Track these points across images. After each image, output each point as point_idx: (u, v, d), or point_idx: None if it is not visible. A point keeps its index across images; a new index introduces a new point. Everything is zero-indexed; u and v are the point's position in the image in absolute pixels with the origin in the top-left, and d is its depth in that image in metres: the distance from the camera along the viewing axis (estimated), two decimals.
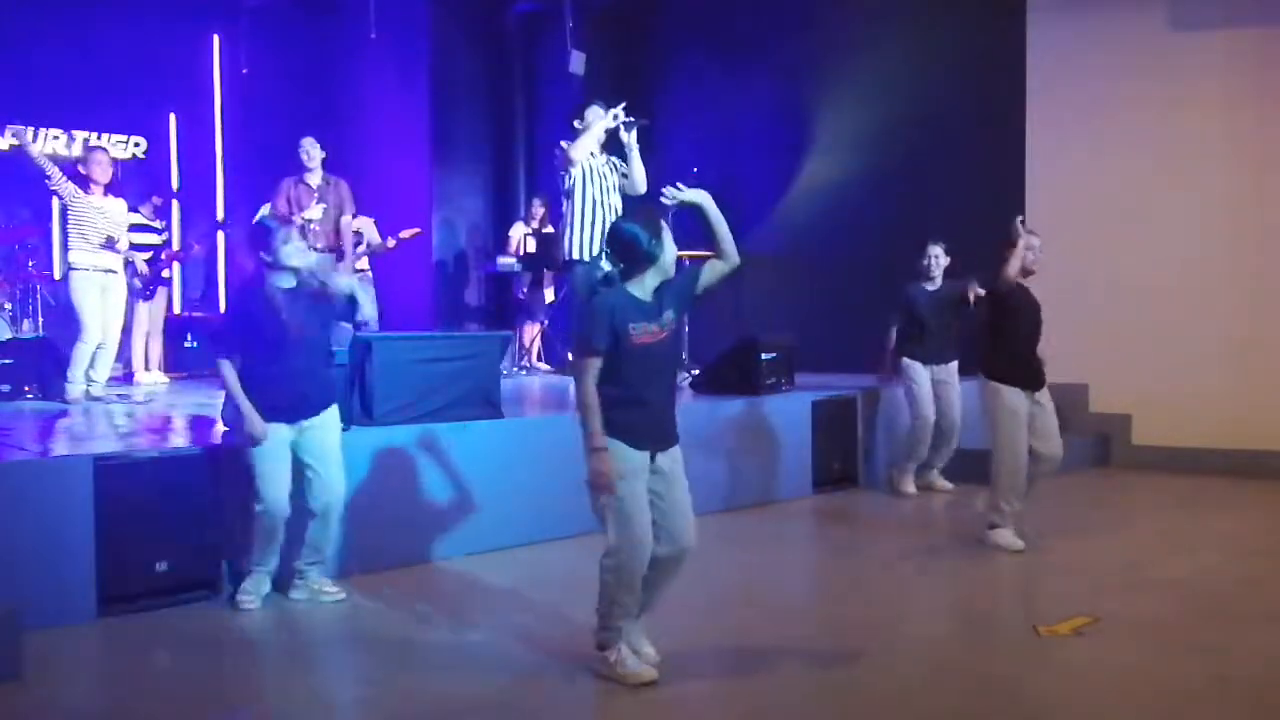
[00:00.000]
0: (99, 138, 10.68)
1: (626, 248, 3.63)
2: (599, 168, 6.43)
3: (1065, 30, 8.81)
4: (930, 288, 7.19)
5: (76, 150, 7.32)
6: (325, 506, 4.63)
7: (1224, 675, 3.74)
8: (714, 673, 3.82)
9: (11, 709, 3.52)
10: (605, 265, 3.77)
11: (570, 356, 6.30)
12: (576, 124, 6.46)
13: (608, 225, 6.29)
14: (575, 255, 6.38)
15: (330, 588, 4.72)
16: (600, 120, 6.32)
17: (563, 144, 6.48)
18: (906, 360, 7.20)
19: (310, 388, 4.62)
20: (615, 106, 6.37)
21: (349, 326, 5.46)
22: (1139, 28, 8.54)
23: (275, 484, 4.50)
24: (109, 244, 7.09)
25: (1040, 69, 8.90)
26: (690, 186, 3.73)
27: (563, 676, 3.76)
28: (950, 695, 3.62)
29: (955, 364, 7.26)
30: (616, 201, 6.48)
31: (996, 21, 9.13)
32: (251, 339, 4.53)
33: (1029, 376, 5.61)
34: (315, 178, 7.74)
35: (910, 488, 7.21)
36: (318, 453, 4.62)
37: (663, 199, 3.77)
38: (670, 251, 3.66)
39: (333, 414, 4.73)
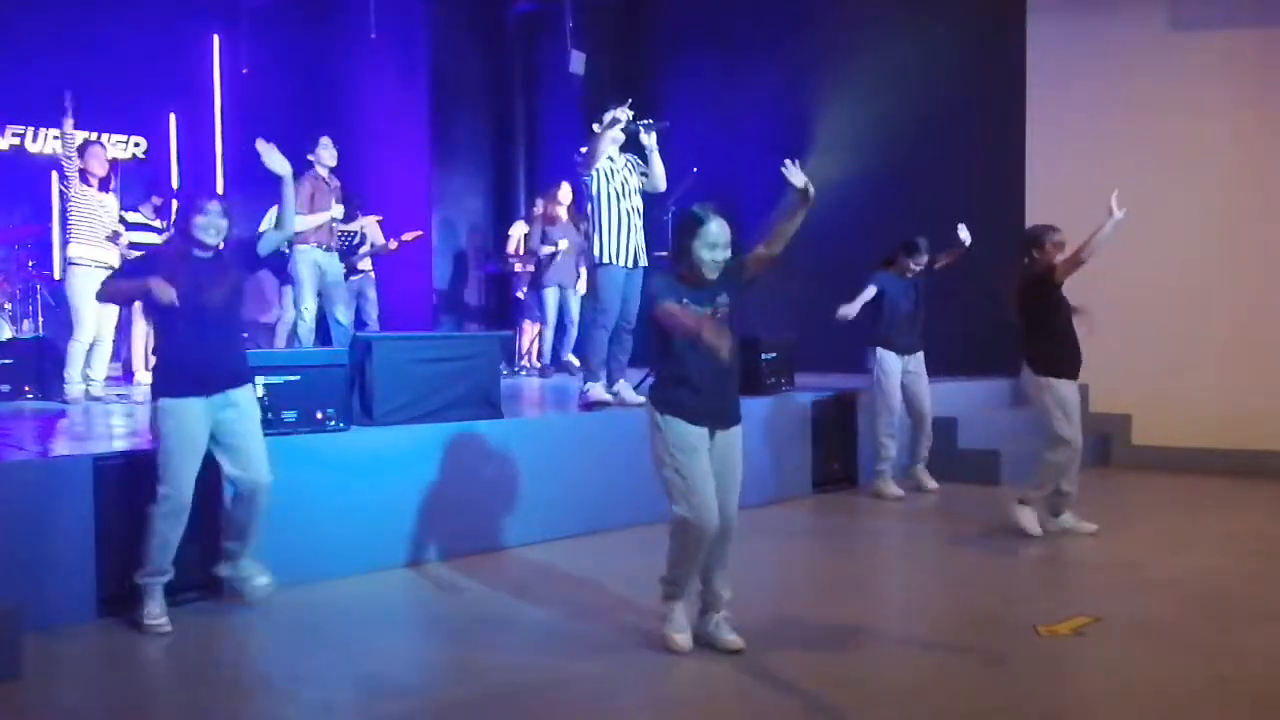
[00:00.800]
0: (99, 137, 10.68)
1: (675, 232, 3.94)
2: (619, 169, 6.47)
3: (1065, 30, 8.81)
4: (907, 277, 7.22)
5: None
6: (252, 485, 4.37)
7: (1224, 675, 3.74)
8: (714, 672, 3.81)
9: (11, 709, 3.52)
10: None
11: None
12: (595, 127, 6.49)
13: (635, 228, 6.40)
14: (606, 260, 6.40)
15: (261, 576, 4.49)
16: (606, 129, 6.33)
17: (582, 150, 6.51)
18: (881, 350, 7.18)
19: (224, 359, 4.39)
20: (620, 109, 6.37)
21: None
22: (1139, 28, 8.55)
23: (183, 465, 4.20)
24: (114, 238, 7.13)
25: (1040, 69, 8.90)
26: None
27: (556, 681, 3.76)
28: (950, 695, 3.61)
29: (922, 354, 7.30)
30: (639, 202, 6.53)
31: (996, 21, 9.13)
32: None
33: (1078, 366, 5.81)
34: (328, 175, 7.80)
35: (895, 490, 7.16)
36: (238, 430, 4.38)
37: (786, 170, 3.99)
38: (701, 261, 3.80)
39: (249, 392, 4.49)
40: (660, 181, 6.57)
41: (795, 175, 3.98)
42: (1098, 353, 8.18)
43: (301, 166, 7.72)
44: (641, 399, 6.31)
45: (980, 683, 3.74)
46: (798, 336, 7.86)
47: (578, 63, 10.25)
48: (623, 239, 6.41)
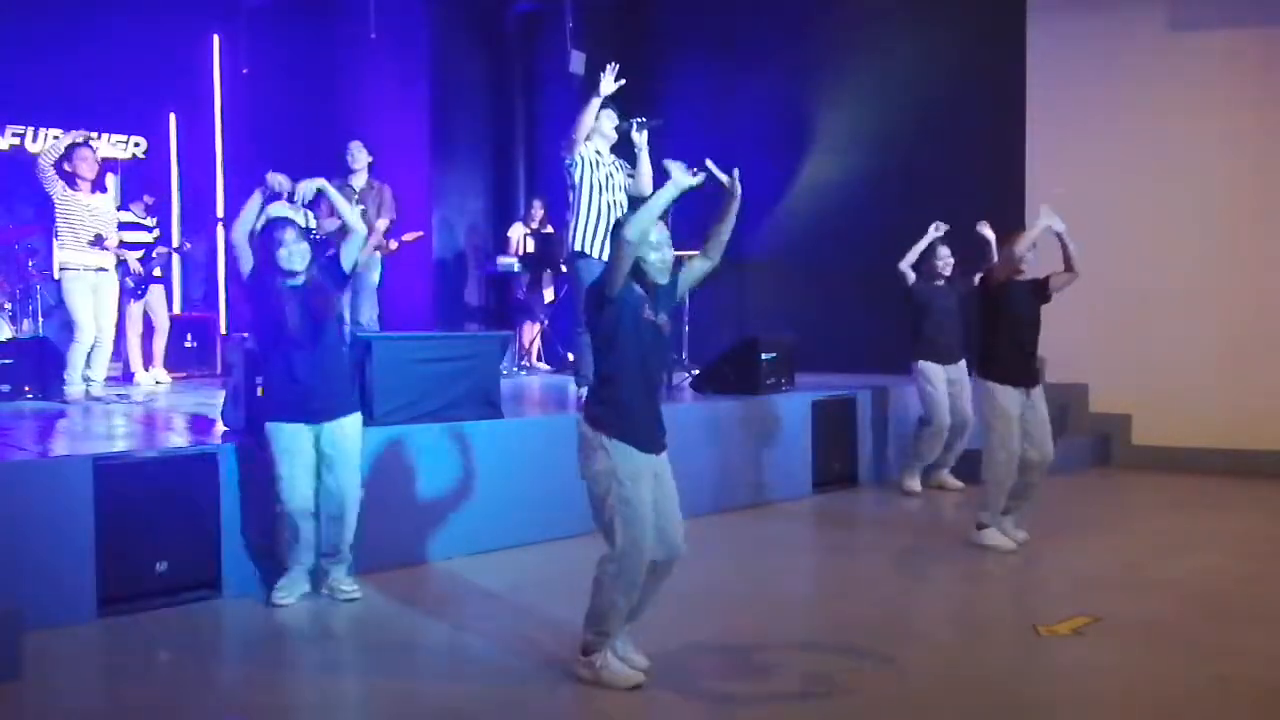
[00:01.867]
0: (99, 137, 10.67)
1: (614, 238, 3.57)
2: (606, 164, 6.41)
3: (1065, 30, 8.81)
4: (940, 284, 7.20)
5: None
6: (335, 509, 4.63)
7: (1224, 675, 3.74)
8: (713, 673, 3.81)
9: (11, 709, 3.52)
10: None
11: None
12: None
13: (613, 221, 6.30)
14: (579, 248, 6.35)
15: (346, 586, 4.71)
16: (597, 99, 6.22)
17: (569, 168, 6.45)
18: (923, 363, 7.15)
19: (325, 386, 4.57)
20: (606, 78, 6.28)
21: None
22: (1139, 28, 8.55)
23: (294, 485, 4.52)
24: (97, 241, 7.08)
25: (1040, 69, 8.90)
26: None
27: (562, 678, 3.75)
28: (950, 695, 3.62)
29: (964, 363, 7.24)
30: (622, 199, 6.45)
31: (996, 21, 9.13)
32: (266, 327, 4.57)
33: (1023, 374, 5.60)
34: (359, 180, 7.88)
35: (917, 486, 7.20)
36: (331, 456, 4.61)
37: (704, 171, 3.68)
38: (649, 263, 3.56)
39: (354, 420, 4.68)
40: (647, 185, 6.36)
41: (722, 174, 3.73)
42: (1098, 353, 8.23)
43: (342, 171, 7.79)
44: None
45: (980, 683, 3.74)
46: (798, 336, 7.86)
47: (578, 63, 10.24)
48: (601, 231, 6.28)
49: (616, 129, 6.36)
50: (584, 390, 6.43)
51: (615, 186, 6.39)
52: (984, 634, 4.33)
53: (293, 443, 4.52)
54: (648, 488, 3.53)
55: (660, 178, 6.45)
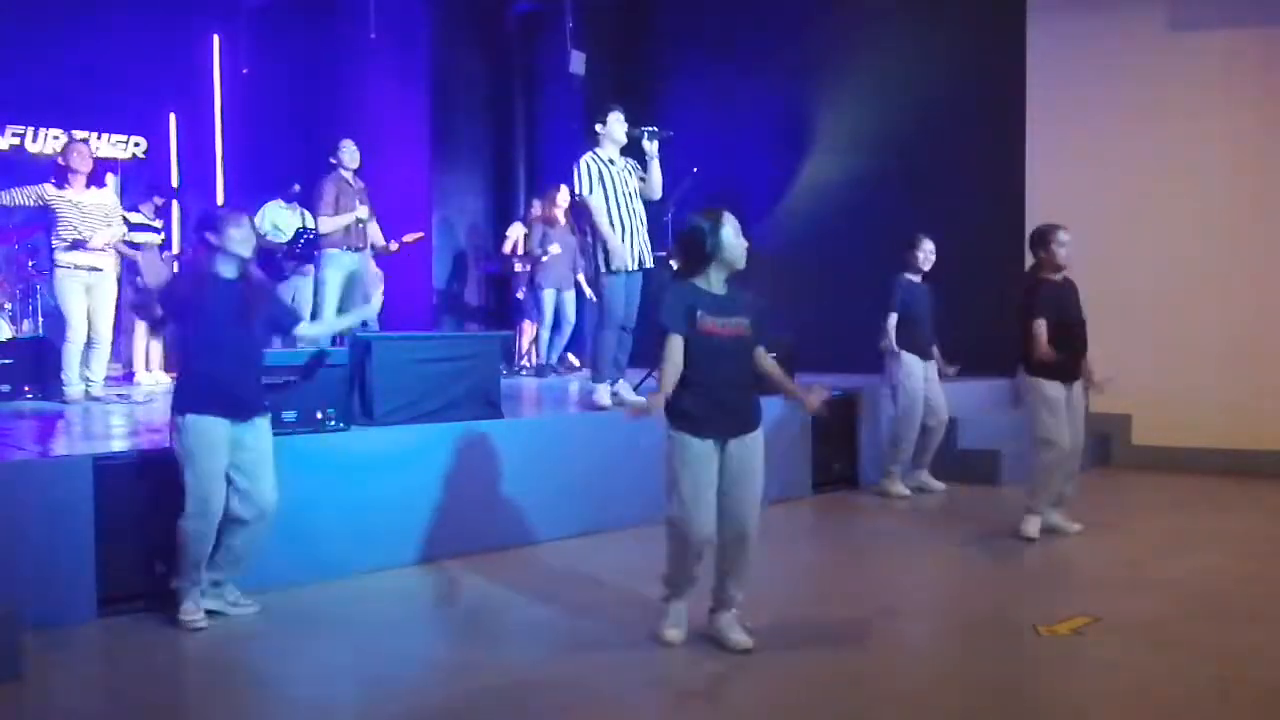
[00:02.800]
0: (99, 137, 10.70)
1: (688, 245, 3.94)
2: (620, 169, 6.44)
3: (1065, 30, 8.81)
4: (917, 279, 7.22)
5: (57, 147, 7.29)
6: (257, 515, 4.37)
7: (1224, 675, 3.74)
8: (712, 671, 3.82)
9: (11, 709, 3.52)
10: (674, 264, 4.02)
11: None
12: (598, 128, 6.48)
13: (636, 230, 6.37)
14: (606, 270, 6.37)
15: (245, 600, 4.52)
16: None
17: (583, 195, 6.41)
18: (905, 354, 7.17)
19: (244, 385, 4.40)
20: (616, 110, 6.42)
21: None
22: (1139, 28, 8.54)
23: (214, 483, 4.24)
24: (77, 244, 7.00)
25: (1040, 69, 8.90)
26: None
27: (559, 679, 3.76)
28: (950, 695, 3.62)
29: (934, 362, 7.30)
30: (639, 206, 6.51)
31: (996, 21, 9.13)
32: (189, 317, 4.38)
33: (1068, 370, 5.80)
34: (351, 178, 7.83)
35: (902, 489, 7.19)
36: (253, 459, 4.38)
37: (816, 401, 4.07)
38: (732, 247, 3.88)
39: (266, 422, 4.48)
40: (656, 190, 6.57)
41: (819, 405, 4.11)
42: (1098, 353, 8.20)
43: (324, 168, 7.76)
44: (642, 400, 6.31)
45: (980, 683, 3.74)
46: (797, 336, 7.85)
47: (578, 63, 10.25)
48: (630, 245, 6.39)
49: (627, 134, 6.43)
50: (596, 389, 6.47)
51: (631, 193, 6.47)
52: (984, 634, 4.33)
53: (214, 439, 4.24)
54: (706, 473, 3.87)
55: (668, 183, 6.57)
